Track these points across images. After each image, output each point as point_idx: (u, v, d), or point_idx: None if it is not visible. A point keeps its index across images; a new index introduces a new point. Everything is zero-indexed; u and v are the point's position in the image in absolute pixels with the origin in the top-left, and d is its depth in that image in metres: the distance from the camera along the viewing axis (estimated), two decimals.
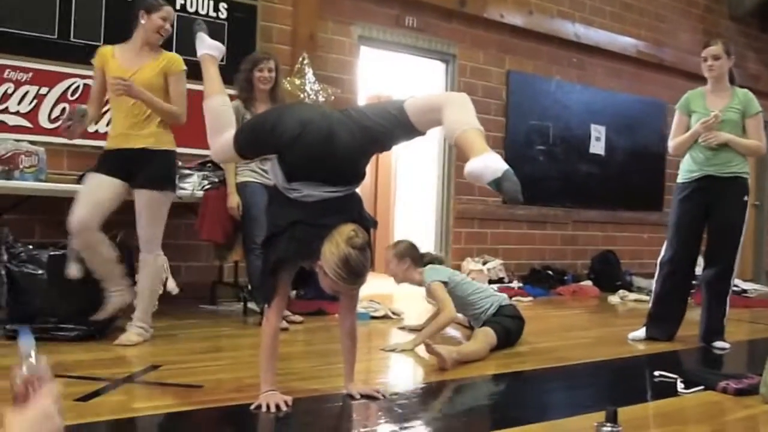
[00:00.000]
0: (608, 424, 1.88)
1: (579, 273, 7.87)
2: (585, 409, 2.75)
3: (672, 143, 4.48)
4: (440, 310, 4.01)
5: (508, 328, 3.98)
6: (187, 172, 4.78)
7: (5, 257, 3.73)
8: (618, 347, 4.28)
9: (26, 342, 1.20)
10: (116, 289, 3.79)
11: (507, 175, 2.20)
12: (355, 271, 2.44)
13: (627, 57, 8.37)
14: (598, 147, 8.23)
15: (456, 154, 6.91)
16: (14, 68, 4.71)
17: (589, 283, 7.48)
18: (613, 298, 6.77)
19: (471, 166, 2.26)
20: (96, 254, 3.71)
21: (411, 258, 4.21)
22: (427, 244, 7.42)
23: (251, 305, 4.87)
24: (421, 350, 3.70)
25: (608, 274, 7.69)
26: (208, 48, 3.04)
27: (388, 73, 8.07)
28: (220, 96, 2.87)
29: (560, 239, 7.95)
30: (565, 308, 6.26)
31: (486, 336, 3.81)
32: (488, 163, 2.23)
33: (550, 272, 7.42)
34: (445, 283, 4.04)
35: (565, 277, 7.46)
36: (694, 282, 4.56)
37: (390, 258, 4.25)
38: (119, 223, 4.47)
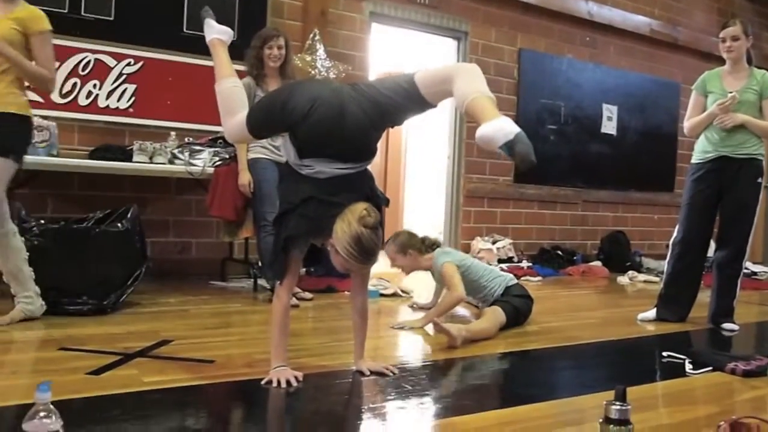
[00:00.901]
0: (617, 403, 1.87)
1: (588, 253, 7.86)
2: (593, 389, 2.76)
3: (688, 124, 4.44)
4: (449, 290, 4.02)
5: (517, 307, 3.98)
6: (198, 148, 4.78)
7: (18, 232, 3.74)
8: (627, 327, 4.28)
9: None
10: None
11: (519, 137, 2.16)
12: (366, 251, 2.44)
13: (640, 36, 8.29)
14: (609, 127, 8.18)
15: (466, 132, 6.88)
16: None
17: (598, 263, 7.46)
18: (623, 279, 6.76)
19: (483, 130, 2.22)
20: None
21: (413, 248, 4.22)
22: (436, 223, 7.43)
23: (261, 282, 4.89)
24: (430, 328, 3.72)
25: (618, 254, 7.67)
26: (217, 33, 3.02)
27: (399, 50, 8.02)
28: (230, 78, 2.87)
29: (570, 219, 7.93)
30: (574, 288, 6.25)
31: (495, 315, 3.82)
32: (500, 127, 2.19)
33: (559, 252, 7.41)
34: (457, 267, 4.04)
35: (575, 257, 7.45)
36: (705, 264, 4.53)
37: (393, 254, 4.24)
38: (129, 199, 4.50)
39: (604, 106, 8.12)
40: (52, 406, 1.58)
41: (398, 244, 4.23)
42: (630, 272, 6.96)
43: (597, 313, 4.87)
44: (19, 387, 2.42)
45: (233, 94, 2.84)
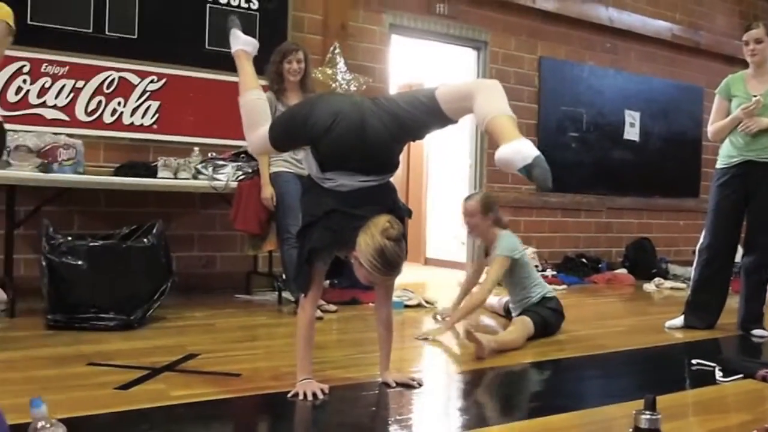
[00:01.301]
0: (647, 412, 1.86)
1: (613, 261, 7.80)
2: (622, 398, 2.73)
3: (711, 128, 4.40)
4: (482, 283, 4.00)
5: (547, 320, 3.94)
6: (221, 162, 4.82)
7: (46, 248, 3.80)
8: (655, 335, 4.24)
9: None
10: None
11: (537, 161, 2.17)
12: (390, 263, 2.44)
13: (662, 41, 8.23)
14: (632, 133, 8.13)
15: (488, 142, 6.88)
16: (51, 62, 4.78)
17: (623, 271, 7.39)
18: (649, 286, 6.69)
19: (501, 152, 2.22)
20: None
21: (495, 213, 4.15)
22: (459, 233, 7.41)
23: (286, 294, 4.90)
24: (450, 338, 3.70)
25: (643, 261, 7.60)
26: (243, 44, 3.03)
27: (419, 61, 8.05)
28: (254, 91, 2.88)
29: (594, 227, 7.87)
30: (599, 296, 6.20)
31: (524, 326, 3.79)
32: (519, 149, 2.19)
33: (584, 260, 7.36)
34: (513, 260, 4.00)
35: (600, 265, 7.39)
36: (733, 269, 4.48)
37: (474, 210, 4.11)
38: (155, 215, 4.55)
39: (627, 112, 8.07)
40: (53, 419, 1.58)
41: (485, 202, 4.12)
42: (656, 279, 6.89)
43: (624, 321, 4.83)
44: (51, 402, 2.42)
45: (257, 107, 2.86)
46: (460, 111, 2.52)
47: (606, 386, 3.19)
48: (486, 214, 4.10)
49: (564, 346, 3.84)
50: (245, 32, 3.10)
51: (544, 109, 7.38)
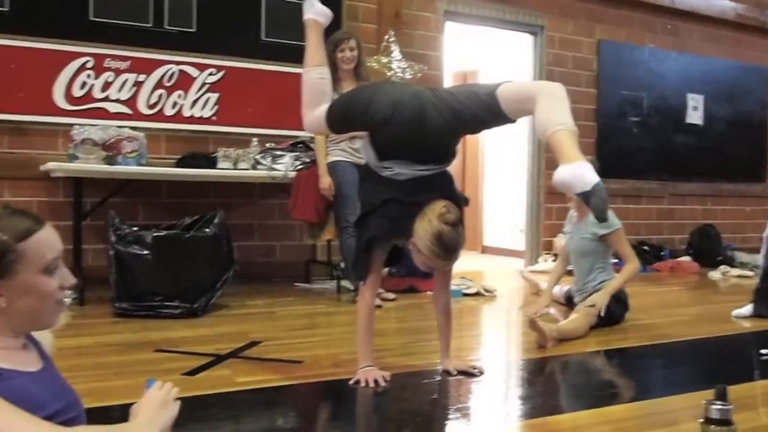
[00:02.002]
0: (718, 402, 1.81)
1: (677, 248, 7.61)
2: (689, 388, 2.67)
3: None
4: (627, 259, 3.98)
5: (612, 310, 3.87)
6: (280, 152, 4.87)
7: (113, 239, 3.91)
8: (721, 324, 4.12)
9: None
10: None
11: (596, 189, 2.13)
12: (448, 247, 2.44)
13: (725, 21, 7.97)
14: (695, 117, 7.91)
15: (542, 142, 6.78)
16: (113, 57, 4.89)
17: (687, 258, 7.21)
18: (714, 274, 6.51)
19: (561, 173, 2.19)
20: None
21: None
22: (517, 221, 7.35)
23: (344, 283, 4.94)
24: (502, 326, 3.68)
25: (708, 249, 7.39)
26: (315, 13, 2.91)
27: (474, 48, 7.98)
28: (319, 68, 2.83)
29: (656, 213, 7.70)
30: (663, 285, 6.07)
31: (587, 315, 3.72)
32: (580, 175, 2.16)
33: (646, 248, 7.19)
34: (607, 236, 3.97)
35: (662, 253, 7.23)
36: None
37: None
38: (215, 205, 4.63)
39: (689, 95, 7.85)
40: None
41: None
42: (722, 267, 6.71)
43: (689, 310, 4.72)
44: (122, 387, 2.52)
45: (318, 86, 2.82)
46: (520, 112, 2.49)
47: (671, 376, 3.13)
48: None
49: (627, 335, 3.77)
50: (298, 23, 3.05)
51: (603, 94, 7.23)
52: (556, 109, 2.32)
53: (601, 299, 3.78)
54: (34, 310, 1.29)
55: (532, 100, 2.36)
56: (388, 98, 2.57)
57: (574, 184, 2.16)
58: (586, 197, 2.13)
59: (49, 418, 1.20)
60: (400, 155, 2.57)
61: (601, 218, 2.18)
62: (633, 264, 3.97)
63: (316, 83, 2.83)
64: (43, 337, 1.45)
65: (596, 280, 4.01)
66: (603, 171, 2.33)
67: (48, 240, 1.30)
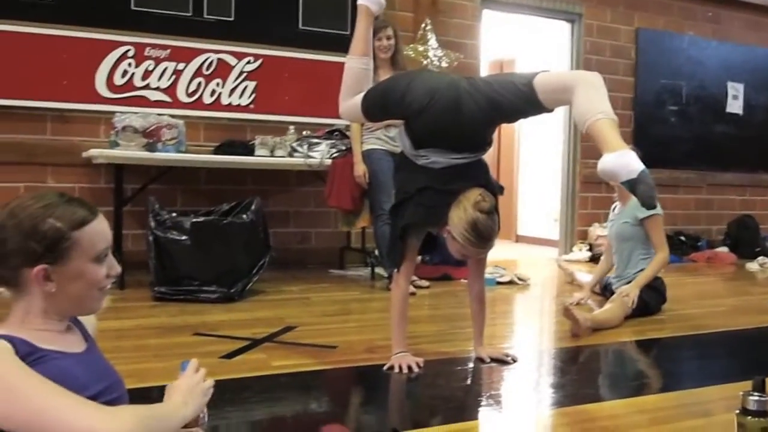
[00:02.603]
0: (756, 394, 1.80)
1: (714, 239, 7.51)
2: (724, 379, 2.66)
3: None
4: (658, 248, 3.93)
5: (647, 301, 3.84)
6: (316, 140, 4.92)
7: (152, 224, 3.99)
8: (758, 316, 4.08)
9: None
10: None
11: (642, 176, 2.12)
12: (483, 235, 2.45)
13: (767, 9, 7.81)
14: (735, 106, 7.77)
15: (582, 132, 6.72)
16: (154, 46, 4.97)
17: (725, 249, 7.12)
18: (752, 265, 6.42)
19: (605, 162, 2.18)
20: None
21: None
22: (551, 209, 7.32)
23: (378, 270, 4.97)
24: (535, 315, 3.68)
25: (746, 239, 7.28)
26: (369, 0, 2.86)
27: (511, 36, 7.93)
28: (363, 59, 2.82)
29: (694, 203, 7.60)
30: (699, 275, 6.00)
31: (623, 305, 3.70)
32: (625, 162, 2.15)
33: (682, 238, 7.12)
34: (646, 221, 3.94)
35: (699, 243, 7.14)
36: None
37: None
38: (251, 192, 4.70)
39: (729, 84, 7.72)
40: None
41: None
42: (760, 258, 6.60)
43: (725, 301, 4.67)
44: (161, 369, 2.59)
45: (359, 76, 2.82)
46: (557, 102, 2.47)
47: (706, 367, 3.11)
48: None
49: (663, 325, 3.75)
50: (337, 11, 3.06)
51: (642, 82, 7.14)
52: (595, 98, 2.30)
53: (632, 290, 3.76)
54: (81, 296, 1.34)
55: (570, 90, 2.35)
56: (424, 87, 2.58)
57: (620, 172, 2.15)
58: (632, 185, 2.13)
59: (92, 398, 1.24)
60: (435, 144, 2.59)
61: (650, 205, 2.17)
62: (662, 254, 3.93)
63: (357, 72, 2.83)
64: (87, 319, 1.50)
65: (637, 267, 3.98)
66: (641, 160, 2.31)
67: (100, 230, 1.35)
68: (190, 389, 1.36)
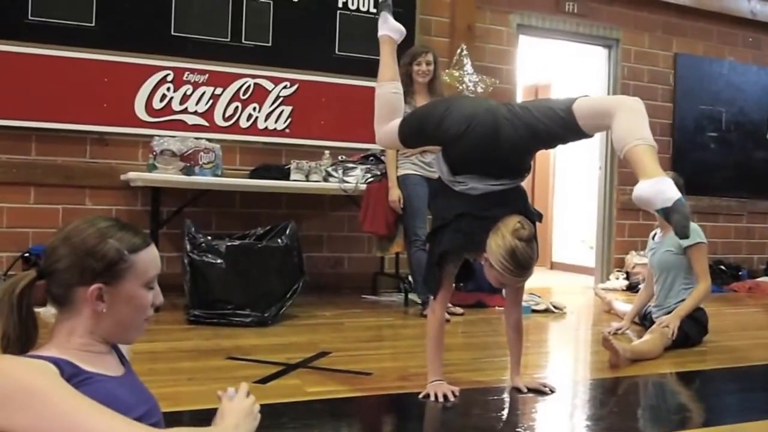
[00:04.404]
0: None
1: (755, 268, 7.35)
2: (766, 414, 2.57)
3: None
4: (700, 278, 3.82)
5: (687, 332, 3.75)
6: (351, 165, 4.93)
7: (188, 247, 4.01)
8: None
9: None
10: None
11: (677, 206, 2.10)
12: (521, 264, 2.40)
13: None
14: None
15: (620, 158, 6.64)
16: (192, 71, 5.04)
17: (767, 279, 6.95)
18: None
19: (641, 189, 2.17)
20: None
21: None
22: (587, 237, 7.22)
23: (412, 296, 4.94)
24: (572, 344, 3.61)
25: None
26: (390, 30, 2.94)
27: (547, 61, 7.90)
28: (392, 83, 2.84)
29: (734, 232, 7.44)
30: (740, 306, 5.86)
31: (663, 337, 3.61)
32: (661, 190, 2.13)
33: (722, 267, 6.96)
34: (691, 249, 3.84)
35: (740, 273, 6.98)
36: None
37: None
38: (286, 216, 4.71)
39: None
40: None
41: (677, 185, 3.85)
42: None
43: (766, 333, 4.54)
44: (195, 393, 2.58)
45: (392, 101, 2.83)
46: (597, 128, 2.46)
47: (748, 401, 3.01)
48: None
49: (703, 357, 3.66)
50: (372, 38, 3.08)
51: (680, 108, 7.05)
52: (635, 124, 2.28)
53: (672, 321, 3.67)
54: (128, 321, 1.36)
55: (610, 115, 2.32)
56: (462, 113, 2.56)
57: (655, 200, 2.12)
58: (666, 213, 2.10)
59: (136, 420, 1.23)
60: (473, 170, 2.56)
61: (683, 235, 2.14)
62: (704, 284, 3.82)
63: (389, 98, 2.84)
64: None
65: (678, 297, 3.88)
66: (679, 188, 2.27)
67: (153, 257, 1.40)
68: (244, 413, 1.36)
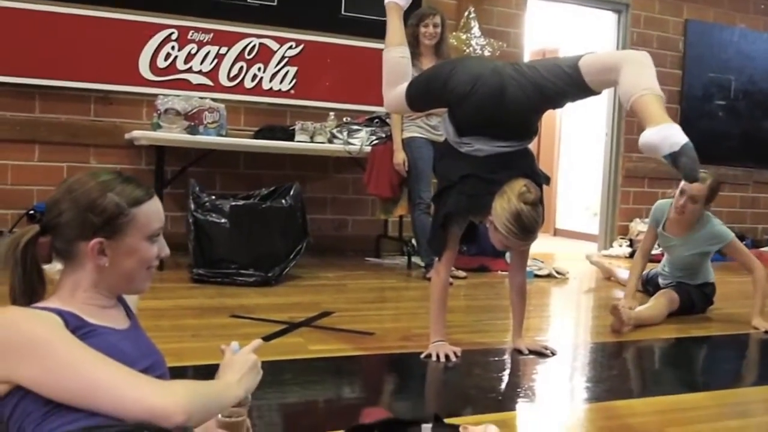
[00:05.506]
0: None
1: (759, 238, 7.34)
2: (765, 381, 2.59)
3: None
4: (754, 269, 3.72)
5: (694, 300, 3.76)
6: (356, 127, 4.90)
7: (192, 206, 4.01)
8: None
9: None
10: None
11: (685, 149, 2.04)
12: (526, 227, 2.39)
13: None
14: None
15: (626, 109, 6.60)
16: (197, 29, 4.99)
17: None
18: None
19: (647, 136, 2.11)
20: None
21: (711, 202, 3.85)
22: (591, 203, 7.21)
23: (415, 259, 4.95)
24: (574, 309, 3.61)
25: None
26: None
27: (556, 26, 7.80)
28: (400, 48, 2.82)
29: (739, 201, 7.43)
30: (744, 274, 5.79)
31: (667, 302, 3.61)
32: (667, 135, 2.07)
33: None
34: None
35: (744, 242, 6.94)
36: None
37: (700, 193, 3.64)
38: (290, 178, 4.70)
39: None
40: None
41: (714, 189, 3.74)
42: None
43: None
44: (199, 349, 2.60)
45: (399, 66, 2.81)
46: (604, 84, 2.41)
47: (749, 368, 3.04)
48: (709, 202, 3.78)
49: (706, 324, 3.67)
50: (378, 1, 3.03)
51: (689, 76, 6.98)
52: (641, 75, 2.24)
53: (762, 325, 3.56)
54: (131, 274, 1.35)
55: (616, 70, 2.28)
56: (468, 73, 2.53)
57: (662, 145, 2.07)
58: (674, 158, 2.04)
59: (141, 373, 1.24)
60: (479, 131, 2.54)
61: (692, 178, 2.09)
62: (759, 271, 3.71)
63: (397, 62, 2.81)
64: (129, 297, 1.51)
65: (703, 279, 3.88)
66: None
67: (156, 210, 1.38)
68: (247, 368, 1.37)
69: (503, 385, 2.50)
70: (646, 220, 6.77)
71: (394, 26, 2.85)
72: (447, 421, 1.76)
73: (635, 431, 2.08)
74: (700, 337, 3.39)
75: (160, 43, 4.90)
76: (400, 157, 4.54)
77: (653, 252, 4.09)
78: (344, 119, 5.03)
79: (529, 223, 2.38)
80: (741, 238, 6.93)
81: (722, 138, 7.14)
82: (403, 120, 4.55)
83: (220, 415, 1.38)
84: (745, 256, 3.78)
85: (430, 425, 1.44)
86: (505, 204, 2.39)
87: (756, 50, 7.33)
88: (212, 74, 5.05)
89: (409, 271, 4.89)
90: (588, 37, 7.36)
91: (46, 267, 1.38)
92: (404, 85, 2.74)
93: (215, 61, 5.05)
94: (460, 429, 1.50)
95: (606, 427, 2.10)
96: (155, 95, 4.64)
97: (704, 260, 3.85)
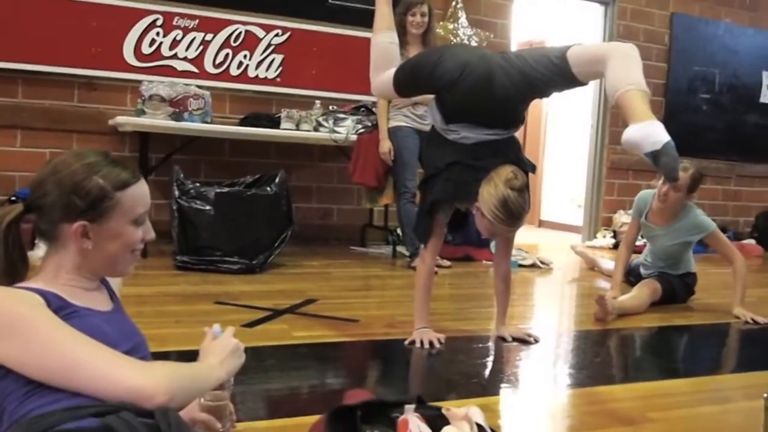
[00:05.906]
0: None
1: (741, 231, 7.40)
2: (746, 368, 2.65)
3: None
4: (733, 259, 3.77)
5: (676, 290, 3.80)
6: (342, 116, 4.88)
7: (177, 193, 3.99)
8: None
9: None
10: None
11: (666, 148, 2.06)
12: (513, 213, 2.40)
13: None
14: None
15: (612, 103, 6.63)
16: (182, 15, 4.95)
17: (752, 241, 7.01)
18: None
19: (629, 133, 2.13)
20: None
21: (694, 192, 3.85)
22: (576, 194, 7.24)
23: (400, 249, 4.95)
24: (557, 298, 3.64)
25: None
26: None
27: (543, 17, 7.81)
28: (388, 33, 2.82)
29: (721, 194, 7.49)
30: (725, 266, 5.84)
31: (650, 291, 3.65)
32: (649, 132, 2.09)
33: None
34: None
35: (726, 234, 7.01)
36: None
37: (682, 187, 3.66)
38: (275, 166, 4.69)
39: (764, 73, 7.55)
40: None
41: (696, 179, 3.75)
42: None
43: (751, 292, 4.55)
44: (182, 335, 2.59)
45: (387, 51, 2.82)
46: (591, 75, 2.43)
47: (728, 356, 3.08)
48: (691, 192, 3.79)
49: (687, 313, 3.71)
50: None
51: (674, 69, 7.02)
52: (628, 69, 2.25)
53: (745, 314, 3.60)
54: (115, 257, 1.34)
55: (603, 62, 2.29)
56: (456, 60, 2.54)
57: (643, 143, 2.09)
58: (655, 157, 2.07)
59: None
60: (466, 118, 2.55)
61: (672, 178, 2.12)
62: (740, 262, 3.77)
63: (385, 48, 2.82)
64: (113, 280, 1.50)
65: (684, 269, 3.91)
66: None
67: (142, 193, 1.37)
68: (229, 351, 1.37)
69: (487, 371, 2.52)
70: (630, 211, 6.82)
71: (383, 12, 2.85)
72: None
73: (617, 416, 2.09)
74: (682, 326, 3.42)
75: (145, 28, 4.85)
76: (386, 146, 4.54)
77: (636, 243, 4.11)
78: (330, 107, 5.01)
79: (515, 209, 2.40)
80: (723, 230, 6.99)
81: (706, 131, 7.19)
82: (389, 109, 4.54)
83: (202, 399, 1.38)
84: (726, 247, 3.82)
85: (413, 406, 1.44)
86: (492, 190, 2.40)
87: (740, 44, 7.38)
88: (197, 61, 5.01)
89: (394, 261, 4.89)
90: (575, 29, 7.38)
91: (28, 253, 1.37)
92: (392, 71, 2.74)
93: (201, 47, 5.01)
94: (443, 410, 1.50)
95: (588, 411, 2.12)
96: (140, 81, 4.60)
97: (686, 250, 3.87)
